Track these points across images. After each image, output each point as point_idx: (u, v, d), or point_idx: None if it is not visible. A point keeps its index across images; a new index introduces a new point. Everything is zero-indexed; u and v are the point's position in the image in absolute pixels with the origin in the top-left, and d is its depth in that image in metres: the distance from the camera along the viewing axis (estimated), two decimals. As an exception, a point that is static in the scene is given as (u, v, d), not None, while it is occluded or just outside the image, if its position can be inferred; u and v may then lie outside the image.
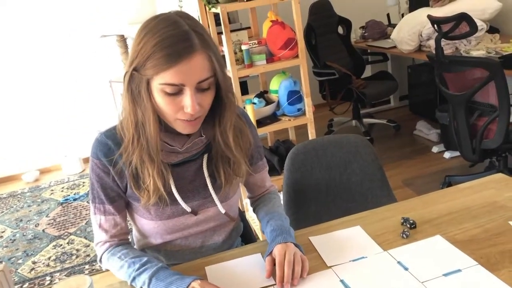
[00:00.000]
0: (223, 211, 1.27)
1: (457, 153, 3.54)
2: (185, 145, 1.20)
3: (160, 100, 1.08)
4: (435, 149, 3.80)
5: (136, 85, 1.09)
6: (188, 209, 1.22)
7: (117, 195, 1.21)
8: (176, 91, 1.07)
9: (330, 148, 1.89)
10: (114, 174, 1.18)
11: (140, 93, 1.09)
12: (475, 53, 3.14)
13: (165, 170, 1.17)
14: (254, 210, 1.43)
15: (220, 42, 2.56)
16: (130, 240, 1.31)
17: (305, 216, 1.86)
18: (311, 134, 2.68)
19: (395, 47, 3.89)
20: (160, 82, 1.05)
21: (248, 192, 1.46)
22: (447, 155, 3.67)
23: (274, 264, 1.13)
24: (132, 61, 1.08)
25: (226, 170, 1.23)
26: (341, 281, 1.09)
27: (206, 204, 1.26)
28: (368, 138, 4.14)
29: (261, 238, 2.46)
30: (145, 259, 1.15)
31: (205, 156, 1.24)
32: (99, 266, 1.29)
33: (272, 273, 1.13)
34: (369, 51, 4.50)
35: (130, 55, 1.09)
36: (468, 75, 2.69)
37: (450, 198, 1.38)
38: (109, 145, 1.17)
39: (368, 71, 4.54)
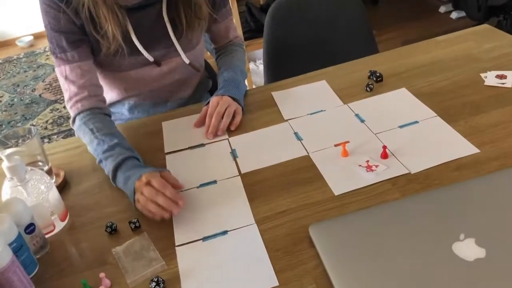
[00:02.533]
0: (187, 61, 1.22)
1: (465, 14, 3.33)
2: None
3: None
4: (442, 9, 3.57)
5: None
6: (151, 59, 1.17)
7: (78, 40, 1.10)
8: None
9: (314, 2, 1.76)
10: (70, 13, 1.07)
11: None
12: None
13: (121, 13, 1.08)
14: (216, 61, 1.38)
15: None
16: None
17: (287, 76, 1.80)
18: (303, -10, 2.49)
19: None
20: None
21: (212, 43, 1.39)
22: (454, 15, 3.46)
23: None
24: None
25: (187, 13, 1.15)
26: (295, 133, 1.07)
27: (170, 54, 1.21)
28: (375, -3, 3.89)
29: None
30: (115, 140, 1.02)
31: (164, 0, 1.15)
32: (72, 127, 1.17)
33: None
34: None
35: None
36: None
37: (425, 51, 1.29)
38: None
39: None
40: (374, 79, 1.19)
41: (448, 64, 1.20)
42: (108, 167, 0.99)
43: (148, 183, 0.88)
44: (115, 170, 0.97)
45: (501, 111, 1.01)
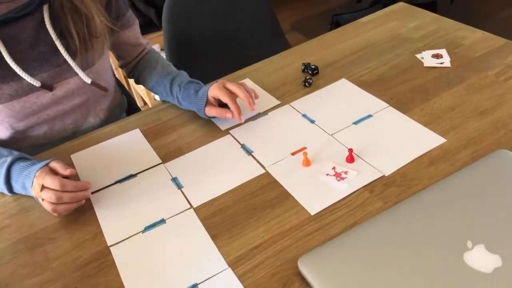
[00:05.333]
0: (88, 80, 0.98)
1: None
2: None
3: None
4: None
5: None
6: (37, 83, 0.93)
7: None
8: None
9: (212, -7, 1.62)
10: None
11: None
12: None
13: None
14: (137, 79, 1.17)
15: None
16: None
17: (194, 75, 1.64)
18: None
19: None
20: None
21: (120, 59, 1.16)
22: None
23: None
24: None
25: (78, 28, 0.93)
26: (242, 146, 0.93)
27: (63, 74, 0.97)
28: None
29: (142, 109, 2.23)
30: None
31: (45, 8, 0.90)
32: None
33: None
34: None
35: None
36: None
37: (352, 35, 1.22)
38: None
39: None
40: (310, 72, 1.09)
41: (381, 47, 1.14)
42: None
43: (43, 187, 0.81)
44: (8, 183, 0.87)
45: (451, 92, 0.97)
